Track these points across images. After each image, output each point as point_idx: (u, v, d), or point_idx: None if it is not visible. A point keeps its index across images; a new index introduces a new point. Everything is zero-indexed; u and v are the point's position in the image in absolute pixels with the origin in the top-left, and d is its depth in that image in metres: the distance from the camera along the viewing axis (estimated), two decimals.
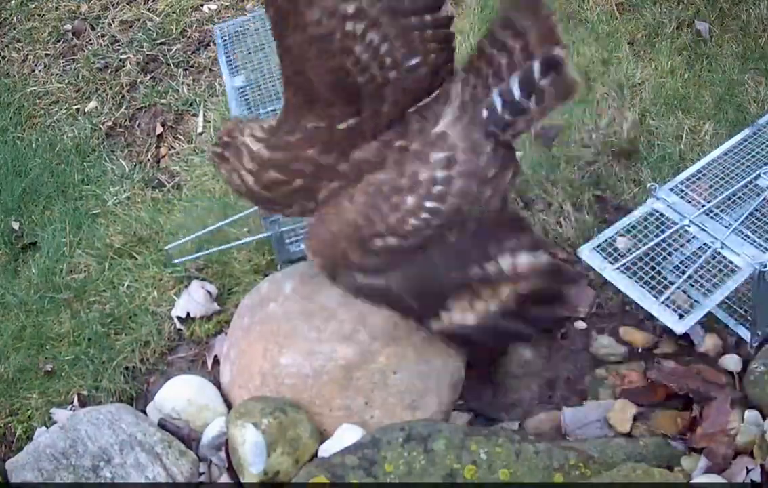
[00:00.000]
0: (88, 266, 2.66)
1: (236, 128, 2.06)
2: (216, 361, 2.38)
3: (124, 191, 2.89)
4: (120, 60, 3.31)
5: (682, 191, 2.32)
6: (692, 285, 2.15)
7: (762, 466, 1.97)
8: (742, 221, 2.22)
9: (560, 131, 2.78)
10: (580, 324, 2.37)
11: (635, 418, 2.15)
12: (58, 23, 3.46)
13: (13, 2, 3.57)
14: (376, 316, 2.18)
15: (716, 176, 2.36)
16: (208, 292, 2.49)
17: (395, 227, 1.93)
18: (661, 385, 2.18)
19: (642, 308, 2.13)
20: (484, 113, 1.95)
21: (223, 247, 2.53)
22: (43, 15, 3.52)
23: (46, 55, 3.39)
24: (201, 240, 2.58)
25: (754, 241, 2.18)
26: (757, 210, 2.25)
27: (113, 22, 3.45)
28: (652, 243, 2.21)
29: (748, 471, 1.97)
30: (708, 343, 2.28)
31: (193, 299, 2.48)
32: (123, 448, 2.10)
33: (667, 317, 2.07)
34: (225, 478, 2.12)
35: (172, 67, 3.27)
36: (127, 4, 3.52)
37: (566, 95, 1.93)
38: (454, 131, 1.95)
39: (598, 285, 2.43)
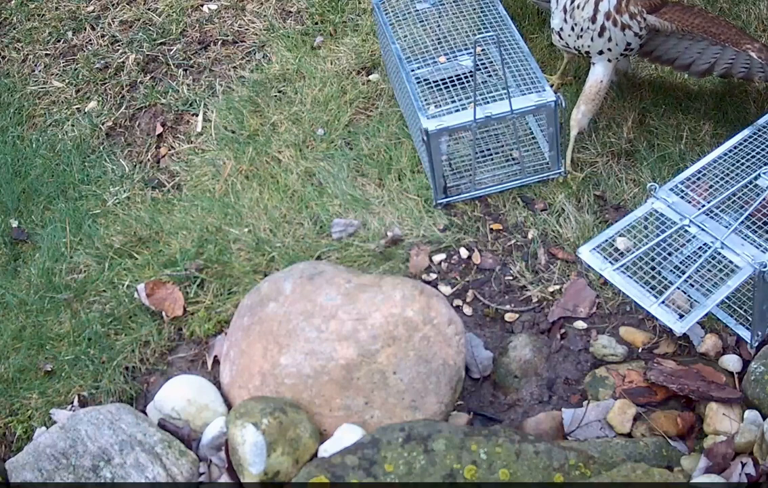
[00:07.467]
0: (88, 266, 2.65)
1: None
2: (216, 361, 2.38)
3: (124, 191, 2.89)
4: (120, 60, 3.30)
5: (682, 191, 2.32)
6: (692, 285, 2.15)
7: (758, 466, 1.97)
8: (742, 221, 2.22)
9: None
10: (580, 324, 2.37)
11: (635, 418, 2.15)
12: (58, 23, 3.46)
13: (13, 2, 3.57)
14: (376, 316, 2.18)
15: (716, 176, 2.36)
16: None
17: None
18: (661, 385, 2.18)
19: (642, 308, 2.13)
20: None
21: None
22: (43, 15, 3.51)
23: (46, 55, 3.39)
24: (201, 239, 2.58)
25: (754, 241, 2.18)
26: (757, 210, 2.25)
27: (113, 22, 3.45)
28: (652, 243, 2.21)
29: (743, 465, 1.97)
30: (708, 343, 2.28)
31: None
32: (123, 448, 2.10)
33: (667, 318, 2.07)
34: (225, 478, 2.12)
35: (172, 67, 3.27)
36: (127, 4, 3.52)
37: None
38: None
39: (598, 285, 2.43)
